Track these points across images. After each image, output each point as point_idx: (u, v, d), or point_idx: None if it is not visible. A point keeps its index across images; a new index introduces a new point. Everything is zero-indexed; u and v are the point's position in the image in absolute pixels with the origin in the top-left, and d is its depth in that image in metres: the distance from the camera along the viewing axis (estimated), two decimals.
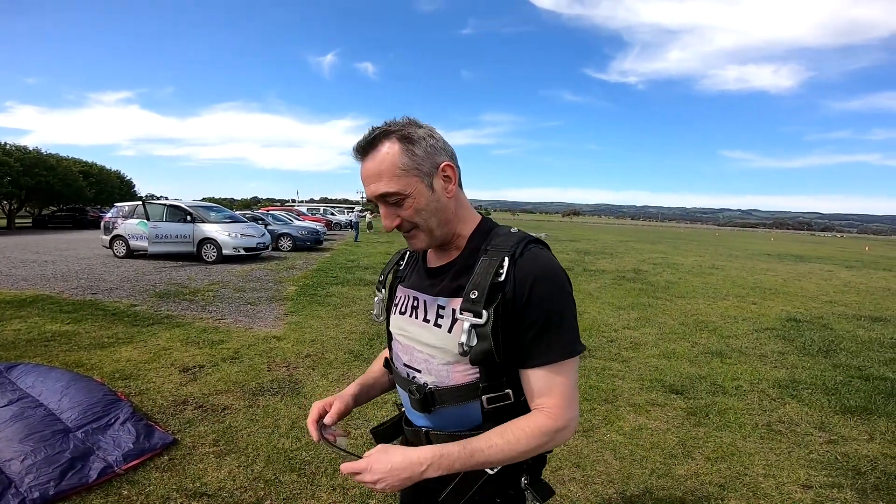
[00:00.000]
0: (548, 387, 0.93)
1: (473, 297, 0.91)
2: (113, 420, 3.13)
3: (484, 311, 0.90)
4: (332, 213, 37.69)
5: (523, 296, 0.91)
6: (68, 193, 34.51)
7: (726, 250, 26.04)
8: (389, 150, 0.95)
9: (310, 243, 17.37)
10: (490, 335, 0.90)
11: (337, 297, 8.09)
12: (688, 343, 5.88)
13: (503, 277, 0.92)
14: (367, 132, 0.98)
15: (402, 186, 0.95)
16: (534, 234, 1.04)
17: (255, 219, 17.52)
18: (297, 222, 20.16)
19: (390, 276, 1.23)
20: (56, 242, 18.24)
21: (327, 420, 1.12)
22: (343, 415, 1.15)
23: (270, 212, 21.87)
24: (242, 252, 12.86)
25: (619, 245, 26.28)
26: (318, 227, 18.97)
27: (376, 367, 1.34)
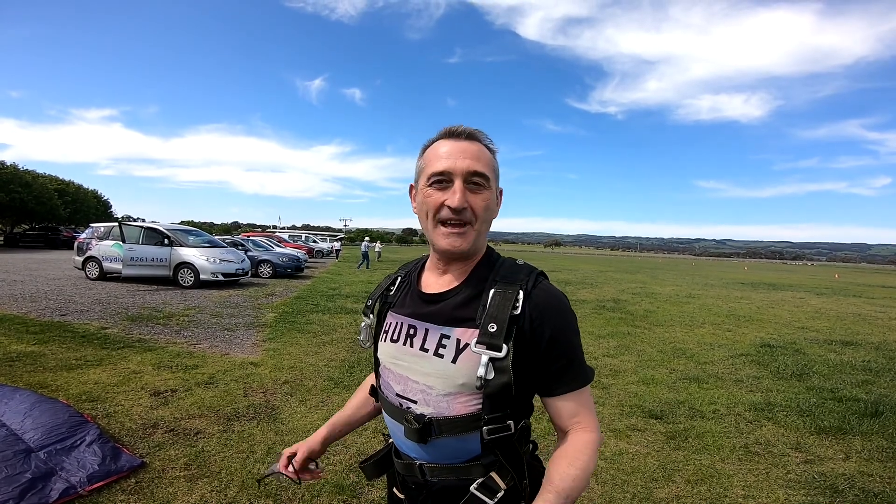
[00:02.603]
0: (577, 409, 0.96)
1: (492, 330, 0.90)
2: (78, 442, 3.02)
3: (504, 345, 0.89)
4: (315, 241, 37.54)
5: (542, 330, 0.93)
6: (42, 212, 33.75)
7: (702, 279, 26.55)
8: (486, 151, 1.01)
9: (290, 270, 17.19)
10: (510, 369, 0.89)
11: (317, 324, 7.97)
12: (666, 370, 5.92)
13: (518, 311, 0.93)
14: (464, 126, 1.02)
15: (491, 177, 0.99)
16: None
17: (234, 244, 17.31)
18: (277, 249, 19.97)
19: (378, 302, 1.18)
20: (26, 262, 17.73)
21: (286, 465, 1.20)
22: (310, 459, 1.22)
23: (251, 237, 21.65)
24: (221, 277, 12.65)
25: (599, 275, 26.61)
26: (299, 255, 18.80)
27: (353, 403, 1.30)
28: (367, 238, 28.66)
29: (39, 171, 37.20)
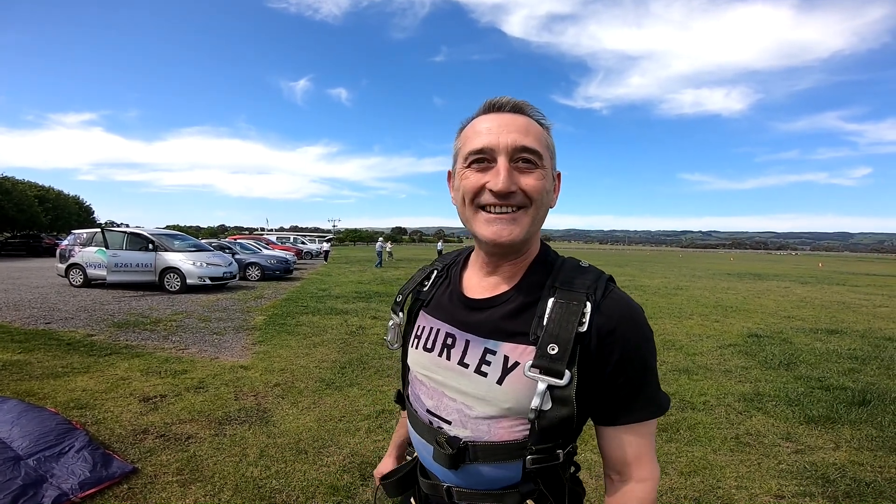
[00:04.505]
0: (638, 450, 0.80)
1: (553, 352, 0.75)
2: (67, 448, 2.98)
3: (566, 371, 0.74)
4: (303, 242, 37.11)
5: (612, 348, 0.77)
6: (22, 219, 33.18)
7: (689, 271, 26.83)
8: (536, 125, 0.84)
9: (279, 272, 17.04)
10: (573, 399, 0.75)
11: (307, 326, 7.92)
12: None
13: (585, 327, 0.77)
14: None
15: (545, 154, 0.82)
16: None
17: (221, 247, 17.12)
18: (265, 251, 19.79)
19: (410, 298, 1.03)
20: (8, 270, 17.38)
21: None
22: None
23: (238, 240, 21.44)
24: (208, 281, 12.50)
25: None
26: (287, 256, 18.65)
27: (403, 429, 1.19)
28: (380, 238, 28.96)
29: (18, 177, 36.59)
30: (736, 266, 36.56)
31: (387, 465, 1.19)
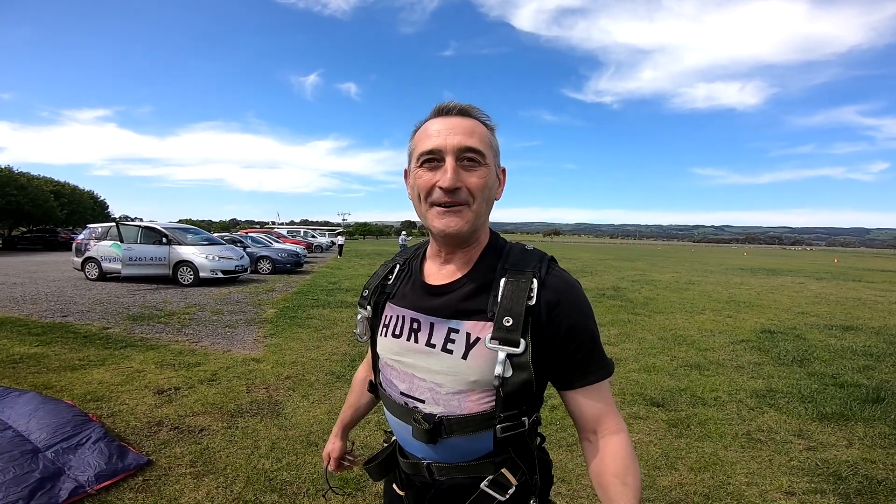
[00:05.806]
0: (601, 406, 0.91)
1: (508, 324, 0.85)
2: (84, 440, 3.04)
3: (521, 340, 0.84)
4: (313, 236, 37.16)
5: (560, 320, 0.88)
6: (38, 214, 33.64)
7: (702, 266, 26.58)
8: (481, 126, 0.94)
9: (290, 266, 17.17)
10: (530, 365, 0.85)
11: (318, 319, 7.98)
12: (667, 357, 5.94)
13: (534, 301, 0.88)
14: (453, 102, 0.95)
15: (488, 153, 0.92)
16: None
17: (233, 241, 17.28)
18: (276, 245, 19.93)
19: (376, 292, 1.10)
20: (25, 264, 17.70)
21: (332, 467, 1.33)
22: (343, 458, 1.34)
23: (249, 234, 21.61)
24: (220, 275, 12.64)
25: (598, 263, 26.64)
26: (298, 250, 18.77)
27: (353, 400, 1.32)
28: (403, 232, 30.22)
29: (34, 173, 37.16)
30: (749, 261, 36.15)
31: (335, 445, 1.32)
